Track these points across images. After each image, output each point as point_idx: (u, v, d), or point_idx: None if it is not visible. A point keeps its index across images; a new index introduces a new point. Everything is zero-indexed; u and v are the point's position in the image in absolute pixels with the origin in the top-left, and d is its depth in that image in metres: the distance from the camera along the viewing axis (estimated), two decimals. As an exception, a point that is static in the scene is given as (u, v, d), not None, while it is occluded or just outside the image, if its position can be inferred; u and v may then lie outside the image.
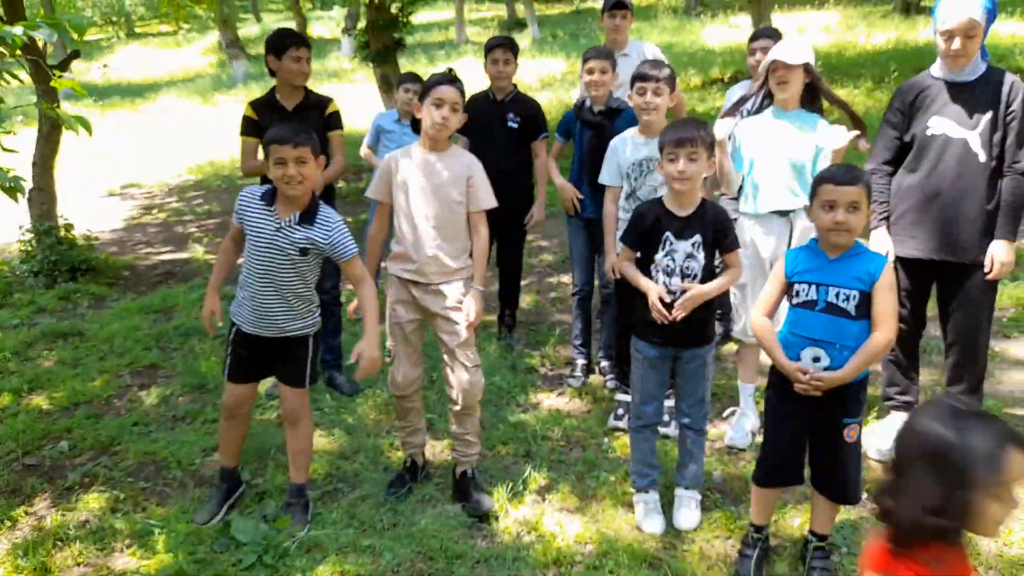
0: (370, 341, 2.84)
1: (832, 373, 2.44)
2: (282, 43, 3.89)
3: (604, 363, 4.20)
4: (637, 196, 3.48)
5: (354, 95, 15.38)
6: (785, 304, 2.64)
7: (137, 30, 33.96)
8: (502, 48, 4.27)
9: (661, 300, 2.81)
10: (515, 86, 4.39)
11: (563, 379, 4.24)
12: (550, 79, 15.34)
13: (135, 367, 4.59)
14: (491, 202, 3.11)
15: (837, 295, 2.46)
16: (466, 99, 3.10)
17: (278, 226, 2.83)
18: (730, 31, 19.38)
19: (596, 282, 4.20)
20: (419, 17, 26.05)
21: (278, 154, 2.76)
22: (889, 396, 3.42)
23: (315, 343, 3.07)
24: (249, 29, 29.80)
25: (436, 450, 3.58)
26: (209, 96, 17.27)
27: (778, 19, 18.03)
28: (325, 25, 27.15)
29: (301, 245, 2.83)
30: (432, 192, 3.01)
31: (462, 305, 3.04)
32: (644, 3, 27.99)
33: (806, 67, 3.17)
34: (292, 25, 28.31)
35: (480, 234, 3.08)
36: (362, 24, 9.44)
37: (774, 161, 3.25)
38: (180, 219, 8.47)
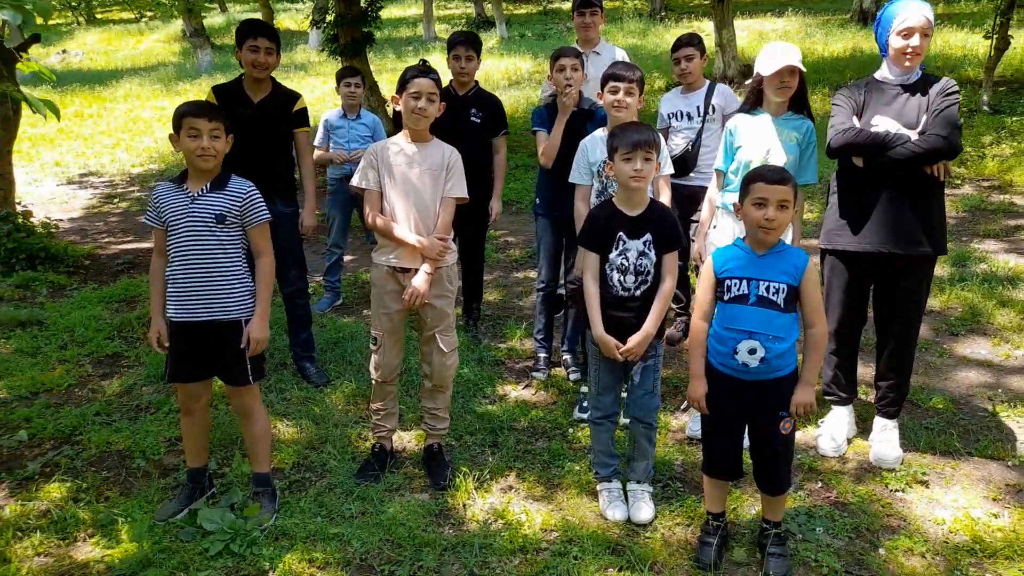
0: (260, 322, 2.90)
1: (805, 390, 2.60)
2: (241, 33, 3.86)
3: (567, 357, 4.28)
4: (608, 194, 3.55)
5: (321, 88, 15.25)
6: None
7: (98, 16, 33.14)
8: (464, 45, 4.29)
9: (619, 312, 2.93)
10: (476, 82, 4.42)
11: (528, 372, 4.30)
12: (518, 77, 15.40)
13: (96, 356, 4.53)
14: (463, 192, 3.19)
15: (767, 289, 2.57)
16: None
17: (193, 198, 2.86)
18: (695, 35, 19.60)
19: (561, 279, 4.26)
20: (387, 13, 25.89)
21: (193, 126, 2.80)
22: (830, 391, 3.53)
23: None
24: (214, 19, 29.29)
25: (404, 440, 3.61)
26: (172, 85, 16.94)
27: (739, 25, 18.36)
28: (293, 18, 26.84)
29: (216, 212, 2.84)
30: (414, 180, 3.11)
31: (450, 293, 3.22)
32: (610, 6, 28.23)
33: (802, 73, 3.27)
34: (259, 16, 27.97)
35: (443, 218, 3.15)
36: (331, 17, 9.37)
37: (766, 160, 3.29)
38: (143, 208, 8.32)
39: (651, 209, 2.94)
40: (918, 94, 3.14)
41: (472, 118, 4.32)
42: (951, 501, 3.07)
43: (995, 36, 9.73)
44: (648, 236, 2.88)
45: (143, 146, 11.46)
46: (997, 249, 5.76)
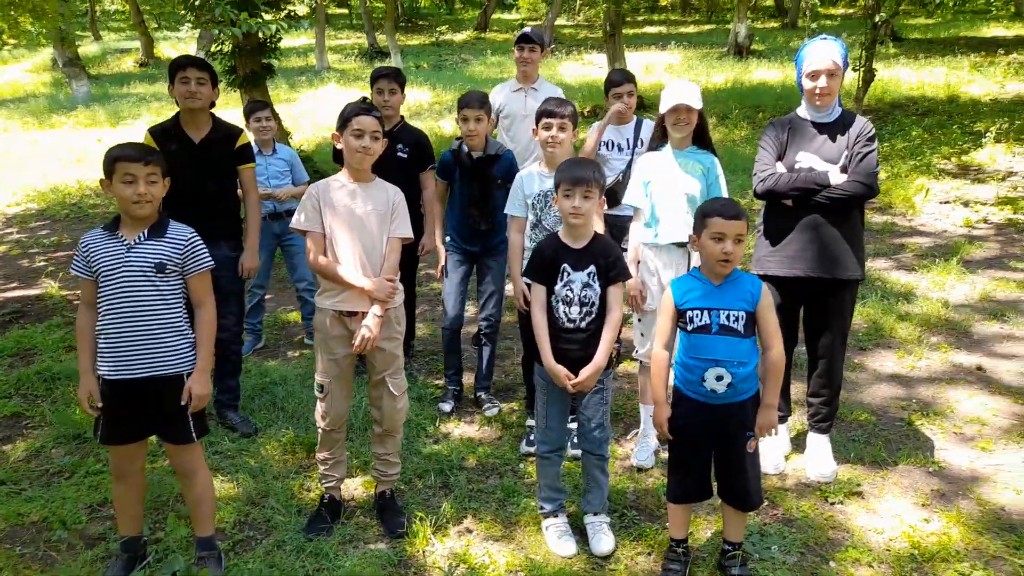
0: (201, 377, 2.74)
1: (767, 412, 2.74)
2: (171, 70, 3.70)
3: (481, 394, 4.27)
4: (543, 226, 3.60)
5: (212, 120, 14.66)
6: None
7: (-50, 43, 30.62)
8: (387, 78, 4.28)
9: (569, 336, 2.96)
10: (402, 117, 4.41)
11: (471, 409, 4.25)
12: (417, 108, 15.40)
13: (-7, 418, 4.12)
14: (408, 232, 3.14)
15: (728, 317, 2.69)
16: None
17: (129, 247, 2.68)
18: (584, 67, 20.39)
19: (477, 313, 4.25)
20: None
21: (128, 171, 2.63)
22: None
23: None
24: (88, 47, 27.72)
25: (351, 487, 3.48)
26: (46, 118, 15.84)
27: (628, 57, 19.16)
28: (175, 46, 25.77)
29: (156, 260, 2.68)
30: (360, 221, 3.03)
31: (398, 335, 3.14)
32: (501, 37, 28.84)
33: (699, 111, 3.45)
34: (137, 44, 26.68)
35: (390, 259, 3.08)
36: (227, 47, 9.06)
37: (673, 196, 3.49)
38: (25, 251, 7.70)
39: (595, 242, 2.99)
40: (837, 132, 3.37)
41: (399, 153, 4.27)
42: (886, 510, 3.26)
43: (862, 69, 10.60)
44: (592, 268, 2.93)
45: (19, 184, 10.63)
46: (888, 267, 6.22)
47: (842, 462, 3.60)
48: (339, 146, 3.06)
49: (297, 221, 3.06)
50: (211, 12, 5.41)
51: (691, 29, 30.26)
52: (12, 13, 9.47)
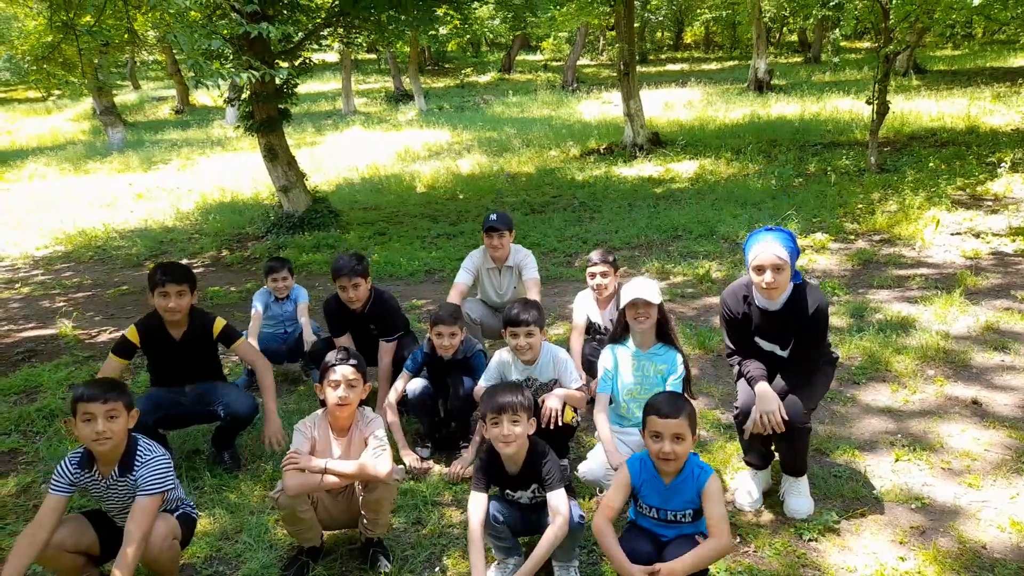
0: None
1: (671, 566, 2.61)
2: (151, 280, 3.76)
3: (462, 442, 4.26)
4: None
5: (238, 163, 15.13)
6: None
7: (1, 95, 32.20)
8: (349, 275, 4.34)
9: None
10: (371, 294, 4.49)
11: (457, 450, 4.25)
12: (437, 148, 15.70)
13: (-9, 454, 4.25)
14: (387, 465, 3.06)
15: (675, 515, 2.78)
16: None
17: (108, 484, 2.85)
18: (603, 106, 20.64)
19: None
20: (307, 87, 26.10)
21: (87, 411, 2.71)
22: (747, 461, 3.64)
23: None
24: (127, 96, 28.87)
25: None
26: (81, 164, 16.49)
27: (649, 94, 19.35)
28: (209, 93, 26.69)
29: (133, 493, 2.82)
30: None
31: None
32: (525, 78, 29.34)
33: (659, 305, 3.49)
34: (173, 93, 27.63)
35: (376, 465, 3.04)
36: (246, 94, 9.38)
37: (636, 391, 3.56)
38: (46, 293, 7.98)
39: (532, 460, 2.97)
40: (787, 318, 3.35)
41: (372, 332, 4.53)
42: (861, 547, 3.18)
43: (876, 102, 10.57)
44: (534, 486, 3.02)
45: (49, 227, 11.05)
46: (889, 299, 6.12)
47: (822, 498, 3.53)
48: (321, 397, 3.10)
49: (295, 443, 3.09)
50: (199, 68, 5.63)
51: (714, 66, 30.47)
52: (45, 67, 9.94)
